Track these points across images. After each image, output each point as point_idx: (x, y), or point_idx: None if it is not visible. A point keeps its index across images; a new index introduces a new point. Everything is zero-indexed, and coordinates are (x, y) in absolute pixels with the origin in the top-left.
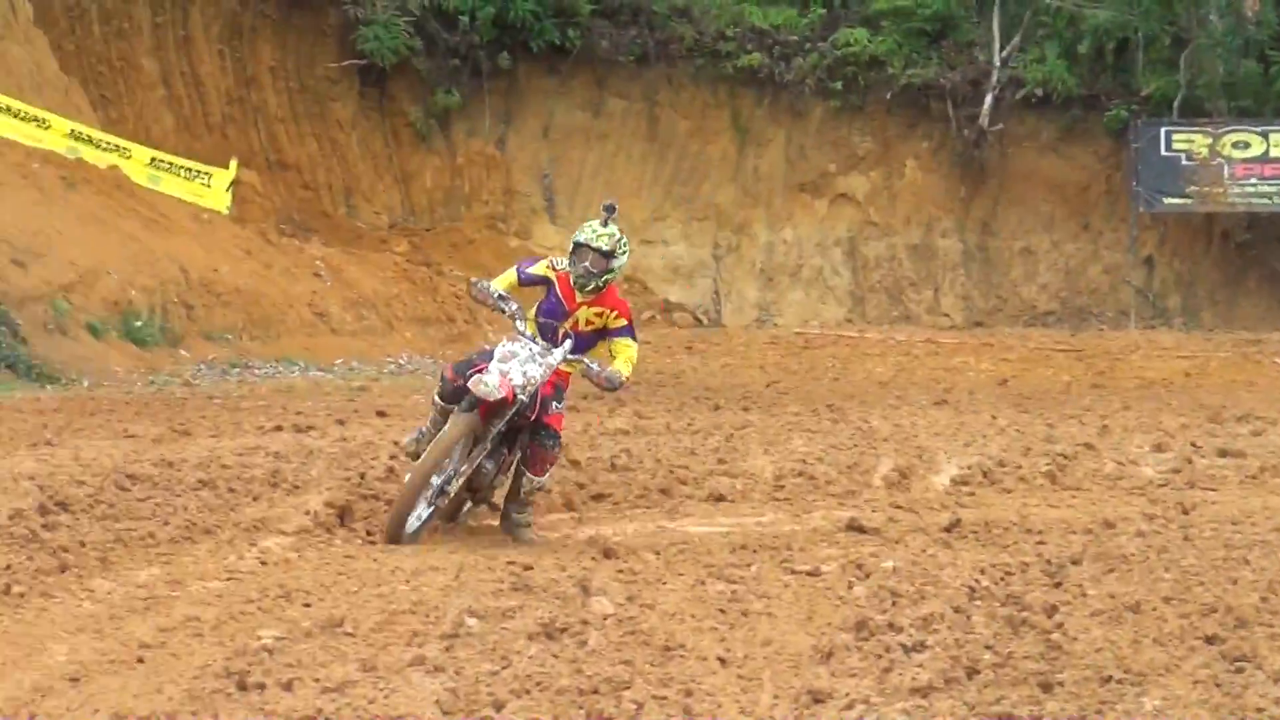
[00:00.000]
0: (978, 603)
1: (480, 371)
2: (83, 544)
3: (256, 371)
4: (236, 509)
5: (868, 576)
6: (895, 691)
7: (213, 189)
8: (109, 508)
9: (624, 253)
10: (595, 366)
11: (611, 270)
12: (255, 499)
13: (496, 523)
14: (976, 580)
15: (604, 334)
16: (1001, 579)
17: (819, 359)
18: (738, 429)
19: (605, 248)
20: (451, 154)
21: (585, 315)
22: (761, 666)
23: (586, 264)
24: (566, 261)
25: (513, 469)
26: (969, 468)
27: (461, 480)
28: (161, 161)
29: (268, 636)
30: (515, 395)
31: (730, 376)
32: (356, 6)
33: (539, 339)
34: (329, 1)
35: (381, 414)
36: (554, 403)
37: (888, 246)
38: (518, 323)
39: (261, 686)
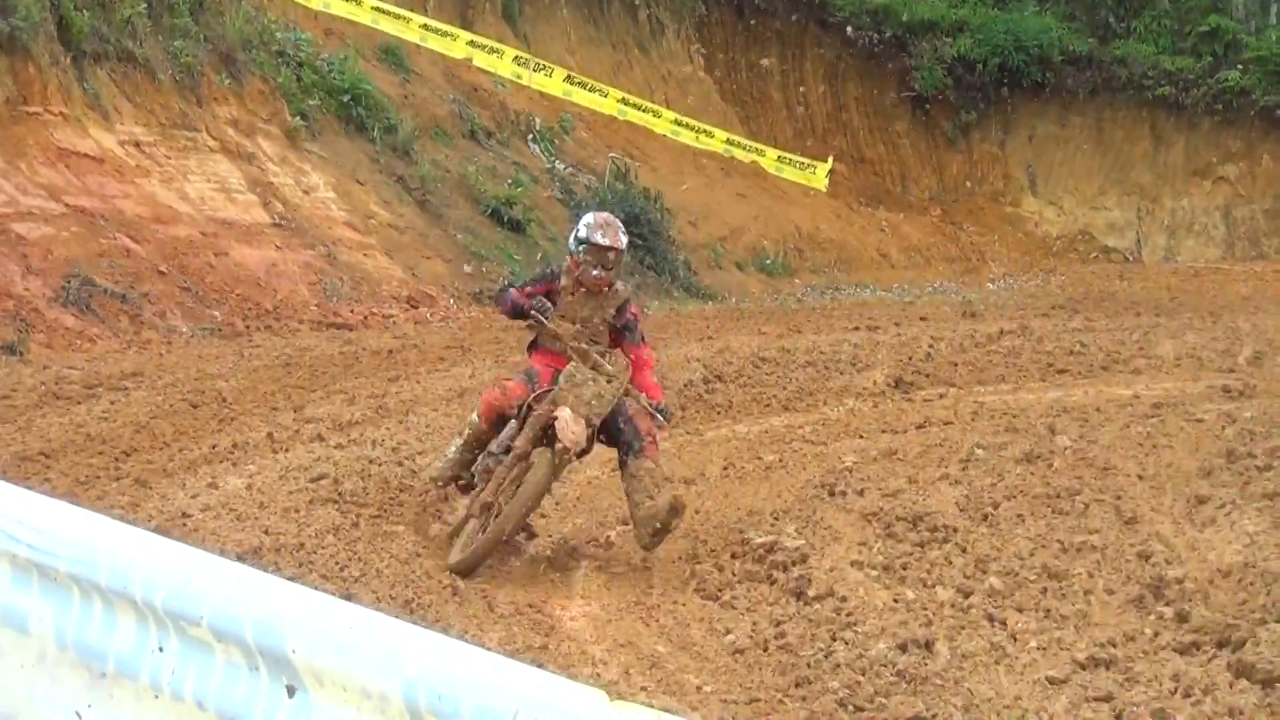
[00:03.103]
0: None
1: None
2: (730, 403)
3: (842, 292)
4: (829, 380)
5: (1234, 422)
6: (1252, 496)
7: (816, 175)
8: (748, 379)
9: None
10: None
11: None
12: (840, 373)
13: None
14: None
15: None
16: None
17: (1204, 283)
18: (1151, 327)
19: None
20: (970, 152)
21: None
22: (1165, 480)
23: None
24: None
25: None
26: None
27: None
28: (784, 158)
29: (848, 460)
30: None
31: (1147, 294)
32: (910, 58)
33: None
34: (892, 56)
35: (923, 319)
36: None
37: (1250, 211)
38: None
39: (844, 493)
